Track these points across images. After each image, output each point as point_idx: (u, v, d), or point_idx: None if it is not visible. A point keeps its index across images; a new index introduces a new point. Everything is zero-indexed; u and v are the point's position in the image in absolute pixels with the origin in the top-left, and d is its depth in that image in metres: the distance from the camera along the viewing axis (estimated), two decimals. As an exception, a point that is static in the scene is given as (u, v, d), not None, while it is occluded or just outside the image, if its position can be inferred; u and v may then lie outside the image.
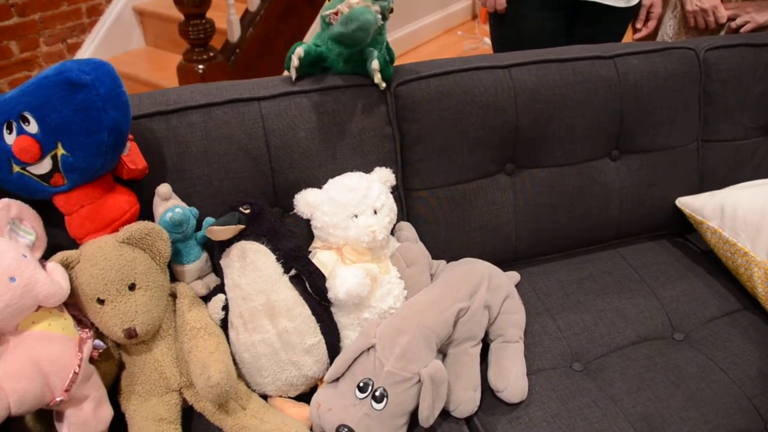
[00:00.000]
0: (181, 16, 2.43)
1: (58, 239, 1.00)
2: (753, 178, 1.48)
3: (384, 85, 1.13)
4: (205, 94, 1.12)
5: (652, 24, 1.76)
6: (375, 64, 1.10)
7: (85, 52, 3.30)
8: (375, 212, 1.06)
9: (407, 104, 1.17)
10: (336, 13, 1.07)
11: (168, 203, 1.04)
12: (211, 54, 2.53)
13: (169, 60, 3.25)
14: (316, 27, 3.17)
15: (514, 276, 1.26)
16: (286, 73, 1.18)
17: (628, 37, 1.86)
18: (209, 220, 1.05)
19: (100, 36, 3.35)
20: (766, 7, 1.69)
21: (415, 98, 1.17)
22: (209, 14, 2.46)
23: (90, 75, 0.90)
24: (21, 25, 2.96)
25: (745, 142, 1.49)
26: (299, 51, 1.12)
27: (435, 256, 1.21)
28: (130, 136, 1.02)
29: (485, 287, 1.08)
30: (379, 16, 1.08)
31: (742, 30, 1.71)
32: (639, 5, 1.75)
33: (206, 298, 1.05)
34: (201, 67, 2.50)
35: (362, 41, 1.08)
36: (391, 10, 1.12)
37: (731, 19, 1.73)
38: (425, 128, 1.18)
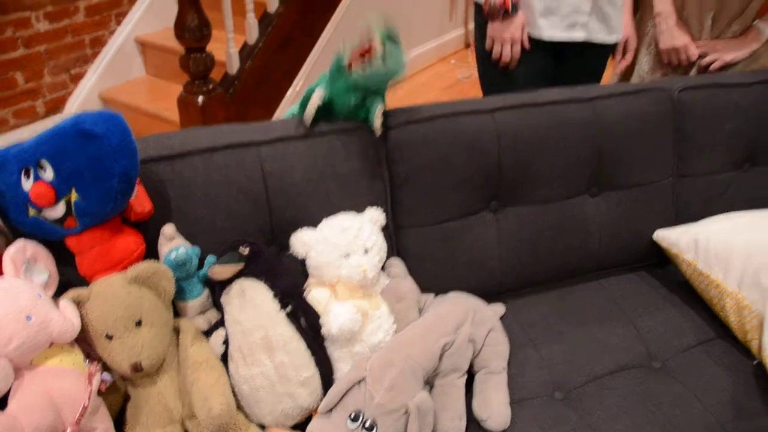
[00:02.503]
0: (181, 48, 2.51)
1: (68, 276, 1.07)
2: (726, 211, 1.55)
3: (381, 131, 1.21)
4: (208, 138, 1.19)
5: (629, 56, 1.86)
6: (379, 112, 1.18)
7: (87, 82, 3.39)
8: (366, 251, 1.13)
9: (397, 147, 1.25)
10: (362, 54, 1.14)
11: (172, 243, 1.11)
12: (211, 86, 2.61)
13: (169, 90, 3.33)
14: (314, 57, 3.27)
15: (500, 308, 1.33)
16: (280, 115, 1.25)
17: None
18: (211, 258, 1.12)
19: (103, 66, 3.44)
20: (732, 46, 1.78)
21: (405, 142, 1.24)
22: (209, 47, 2.54)
23: (102, 127, 0.98)
24: (27, 56, 3.05)
25: (718, 177, 1.57)
26: (320, 92, 1.19)
27: (424, 290, 1.28)
28: (138, 180, 1.10)
29: (470, 321, 1.15)
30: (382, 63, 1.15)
31: (711, 67, 1.81)
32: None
33: (207, 333, 1.12)
34: (201, 98, 2.58)
35: (387, 81, 1.15)
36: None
37: (702, 56, 1.82)
38: (414, 170, 1.26)
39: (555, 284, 1.46)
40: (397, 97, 3.83)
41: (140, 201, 1.10)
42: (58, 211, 1.01)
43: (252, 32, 2.87)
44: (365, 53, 1.12)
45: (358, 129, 1.24)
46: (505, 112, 1.30)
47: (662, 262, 1.55)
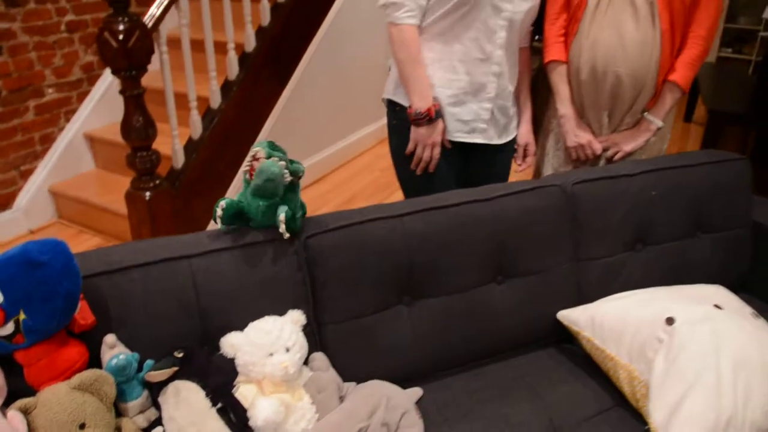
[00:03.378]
0: (129, 142, 2.65)
1: (17, 386, 1.18)
2: (624, 289, 1.73)
3: (287, 235, 1.37)
4: (144, 252, 1.34)
5: (529, 160, 2.07)
6: (281, 217, 1.34)
7: (37, 178, 3.49)
8: (287, 350, 1.27)
9: (316, 253, 1.41)
10: (252, 169, 1.32)
11: (113, 351, 1.23)
12: (157, 182, 2.75)
13: (118, 182, 3.46)
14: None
15: (417, 392, 1.47)
16: (213, 225, 1.41)
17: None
18: (149, 363, 1.25)
19: (53, 161, 3.56)
20: (629, 137, 2.01)
21: (322, 248, 1.41)
22: (155, 140, 2.68)
23: (47, 255, 1.12)
24: (-24, 157, 3.16)
25: (612, 259, 1.75)
26: (222, 204, 1.36)
27: (346, 380, 1.41)
28: (81, 296, 1.23)
29: (383, 407, 1.29)
30: (287, 172, 1.33)
31: (614, 158, 2.02)
32: (515, 140, 2.05)
33: (147, 430, 1.24)
34: (148, 194, 2.71)
35: (274, 191, 1.32)
36: (301, 176, 1.37)
37: (605, 150, 2.04)
38: (331, 272, 1.42)
39: (468, 365, 1.61)
40: (339, 180, 4.04)
41: (83, 315, 1.23)
42: (7, 329, 1.13)
43: (196, 128, 3.04)
44: (254, 163, 1.31)
45: (280, 239, 1.39)
46: (412, 216, 1.48)
47: (569, 339, 1.72)
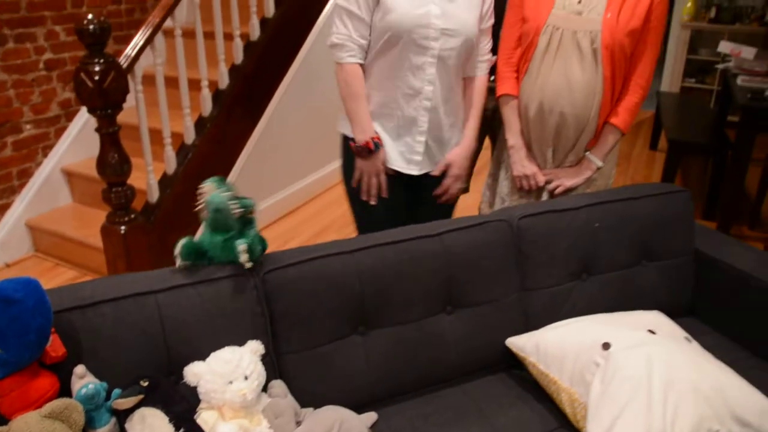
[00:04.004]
0: (105, 177, 2.74)
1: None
2: (570, 316, 1.84)
3: (249, 264, 1.47)
4: (114, 288, 1.43)
5: (446, 182, 2.15)
6: (241, 247, 1.44)
7: (14, 212, 3.56)
8: (246, 378, 1.37)
9: (273, 288, 1.51)
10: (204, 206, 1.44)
11: (83, 380, 1.32)
12: (133, 216, 2.84)
13: (94, 216, 3.54)
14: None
15: (371, 416, 1.56)
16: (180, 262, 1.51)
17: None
18: (117, 391, 1.34)
19: (30, 196, 3.63)
20: (571, 173, 2.14)
21: (280, 283, 1.51)
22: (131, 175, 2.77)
23: (21, 292, 1.21)
24: (-46, 193, 3.23)
25: (559, 288, 1.86)
26: (179, 244, 1.46)
27: (303, 405, 1.50)
28: (53, 329, 1.32)
29: (338, 430, 1.38)
30: (234, 202, 1.44)
31: (555, 191, 2.15)
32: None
33: (114, 456, 1.33)
34: (123, 228, 2.79)
35: (225, 222, 1.43)
36: (252, 210, 1.48)
37: (548, 182, 2.17)
38: (289, 305, 1.52)
39: (421, 391, 1.70)
40: (310, 212, 4.14)
41: (55, 347, 1.31)
42: (-18, 362, 1.22)
43: (170, 164, 3.14)
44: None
45: (241, 274, 1.50)
46: (364, 251, 1.59)
47: (519, 364, 1.82)
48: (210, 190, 1.44)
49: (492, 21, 2.09)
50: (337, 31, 1.96)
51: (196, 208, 1.46)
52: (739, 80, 4.23)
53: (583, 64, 1.97)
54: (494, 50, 2.16)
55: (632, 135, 6.12)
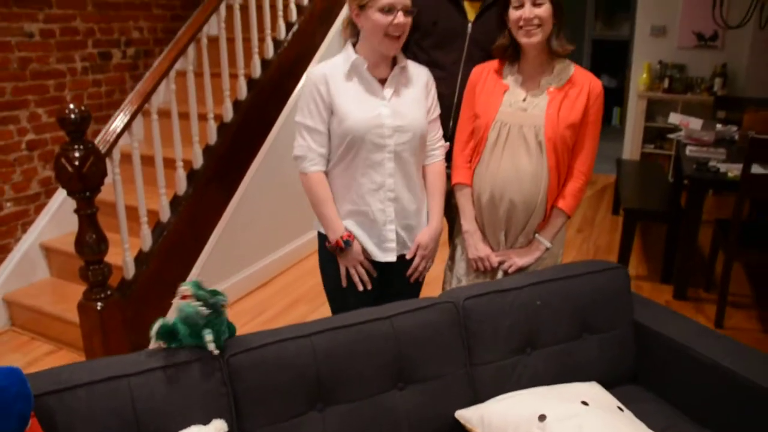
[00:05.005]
0: (83, 253, 2.86)
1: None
2: (516, 389, 1.98)
3: (216, 352, 1.61)
4: (89, 372, 1.56)
5: (415, 262, 2.31)
6: (208, 338, 1.59)
7: (-8, 287, 3.64)
8: (210, 455, 1.50)
9: (236, 370, 1.65)
10: (183, 297, 1.60)
11: (59, 461, 1.44)
12: (109, 293, 2.95)
13: (72, 291, 3.62)
14: (203, 259, 3.70)
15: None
16: (153, 345, 1.64)
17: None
18: (90, 470, 1.46)
19: (8, 271, 3.72)
20: (523, 254, 2.31)
21: (242, 365, 1.65)
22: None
23: (5, 381, 1.34)
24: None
25: (504, 362, 2.01)
26: (156, 325, 1.60)
27: (265, 479, 1.63)
28: (32, 413, 1.44)
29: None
30: (203, 310, 1.58)
31: (509, 271, 2.32)
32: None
33: None
34: (99, 304, 2.89)
35: (194, 324, 1.58)
36: (224, 305, 1.63)
37: (501, 263, 2.34)
38: (252, 385, 1.65)
39: (378, 461, 1.84)
40: (284, 283, 4.27)
41: (33, 430, 1.44)
42: (-33, 446, 1.34)
43: (146, 241, 3.28)
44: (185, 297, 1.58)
45: (207, 358, 1.64)
46: (320, 334, 1.74)
47: (468, 434, 1.96)
48: (189, 294, 1.58)
49: (438, 112, 2.30)
50: (298, 144, 2.18)
51: (171, 301, 1.60)
52: (688, 150, 4.50)
53: (529, 155, 2.17)
54: (450, 135, 2.36)
55: (596, 201, 6.38)
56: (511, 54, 2.22)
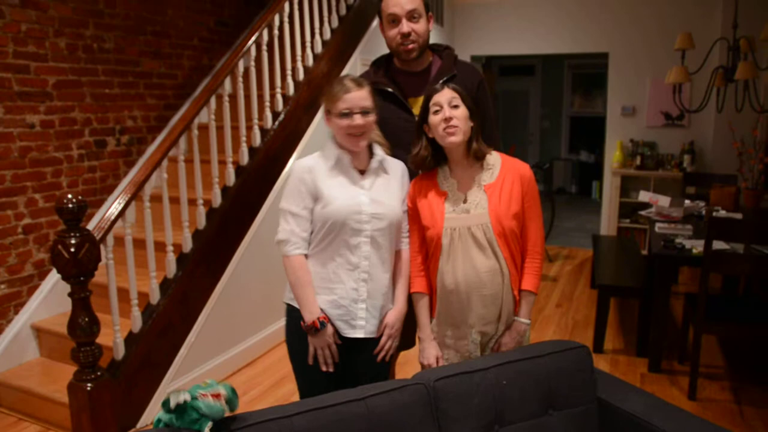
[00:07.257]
0: (74, 334, 2.97)
1: None
2: (486, 464, 2.12)
3: None
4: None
5: (383, 340, 2.44)
6: (207, 428, 1.72)
7: (-17, 369, 3.71)
8: None
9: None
10: (211, 396, 1.72)
11: None
12: (99, 373, 3.04)
13: (62, 371, 3.70)
14: (191, 339, 3.81)
15: None
16: (149, 414, 1.77)
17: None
18: None
19: (-1, 353, 3.80)
20: (508, 336, 2.43)
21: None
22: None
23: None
24: None
25: (474, 437, 2.15)
26: (180, 397, 1.71)
27: None
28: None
29: None
30: (227, 411, 1.73)
31: (495, 350, 2.45)
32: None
33: None
34: (89, 385, 2.98)
35: (207, 417, 1.71)
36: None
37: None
38: (235, 465, 1.78)
39: None
40: (270, 362, 4.36)
41: None
42: None
43: (136, 323, 3.40)
44: (215, 396, 1.71)
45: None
46: (299, 415, 1.86)
47: None
48: (219, 392, 1.71)
49: None
50: (282, 228, 2.36)
51: (197, 395, 1.73)
52: (656, 227, 4.71)
53: (484, 253, 2.33)
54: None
55: (575, 275, 6.55)
56: (431, 163, 2.40)
